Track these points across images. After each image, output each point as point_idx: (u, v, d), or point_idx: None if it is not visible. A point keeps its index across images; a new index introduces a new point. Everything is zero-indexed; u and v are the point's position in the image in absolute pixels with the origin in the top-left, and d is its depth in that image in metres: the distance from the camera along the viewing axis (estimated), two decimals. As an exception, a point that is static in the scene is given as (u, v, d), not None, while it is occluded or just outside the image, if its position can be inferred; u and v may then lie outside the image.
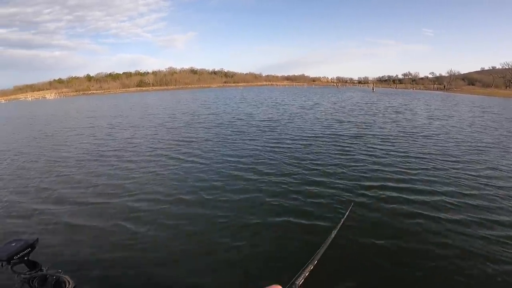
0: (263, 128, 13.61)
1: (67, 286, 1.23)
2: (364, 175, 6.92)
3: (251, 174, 7.13)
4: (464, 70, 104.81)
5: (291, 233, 4.39)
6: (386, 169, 7.35)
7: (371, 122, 15.09)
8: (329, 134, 11.78)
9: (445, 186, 6.16)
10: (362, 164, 7.84)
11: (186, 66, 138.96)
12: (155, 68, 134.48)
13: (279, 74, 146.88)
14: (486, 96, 49.18)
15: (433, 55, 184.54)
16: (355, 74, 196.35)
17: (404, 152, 9.02)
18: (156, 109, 26.26)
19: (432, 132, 12.34)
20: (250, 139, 11.16)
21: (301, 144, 10.14)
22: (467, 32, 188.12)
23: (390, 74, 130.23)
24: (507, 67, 77.26)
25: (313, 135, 11.66)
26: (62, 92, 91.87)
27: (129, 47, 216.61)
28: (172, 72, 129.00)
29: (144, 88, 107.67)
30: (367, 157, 8.56)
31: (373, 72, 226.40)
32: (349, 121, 15.28)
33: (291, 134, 11.91)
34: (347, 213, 2.27)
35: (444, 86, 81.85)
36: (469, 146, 9.93)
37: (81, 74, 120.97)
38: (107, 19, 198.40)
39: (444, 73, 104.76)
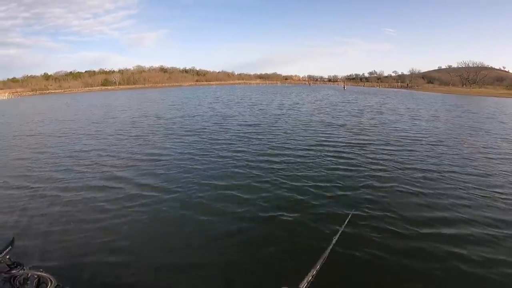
0: (245, 135, 11.09)
1: (49, 285, 1.25)
2: (367, 182, 6.16)
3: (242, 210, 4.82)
4: (423, 69, 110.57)
5: (291, 240, 4.10)
6: (386, 174, 6.48)
7: (360, 124, 13.38)
8: (322, 141, 9.67)
9: (458, 199, 5.35)
10: (363, 173, 6.72)
11: (156, 64, 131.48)
12: (122, 66, 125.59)
13: (252, 73, 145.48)
14: (446, 94, 51.29)
15: (395, 54, 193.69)
16: (325, 72, 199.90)
17: (407, 158, 7.31)
18: (116, 111, 22.55)
19: (427, 136, 10.84)
20: (232, 152, 8.66)
21: (292, 157, 7.90)
22: (425, 32, 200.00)
23: (357, 73, 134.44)
24: (462, 66, 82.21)
25: (304, 143, 9.48)
26: (17, 92, 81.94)
27: (93, 45, 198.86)
28: (140, 71, 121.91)
29: (109, 88, 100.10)
30: (368, 164, 7.31)
31: (342, 70, 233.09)
32: (338, 125, 13.36)
33: (277, 143, 9.60)
34: (346, 220, 2.29)
35: (407, 84, 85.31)
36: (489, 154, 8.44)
37: (39, 73, 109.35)
38: (69, 16, 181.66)
39: (406, 72, 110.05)
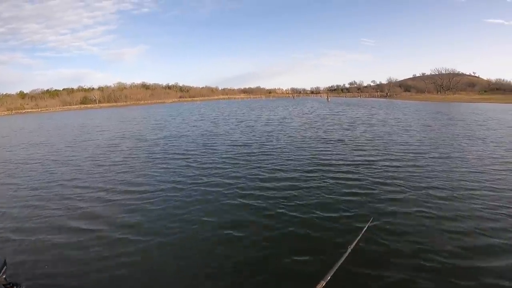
0: (235, 157, 9.92)
1: None
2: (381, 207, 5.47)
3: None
4: (400, 77, 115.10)
5: (308, 246, 4.07)
6: (400, 196, 5.20)
7: (356, 139, 12.62)
8: (321, 161, 8.69)
9: (484, 221, 4.74)
10: (374, 196, 5.91)
11: (138, 81, 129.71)
12: (103, 83, 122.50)
13: (236, 87, 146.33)
14: (424, 102, 52.87)
15: (374, 64, 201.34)
16: (307, 84, 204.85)
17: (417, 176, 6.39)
18: (93, 132, 20.82)
19: (427, 149, 10.16)
20: (223, 179, 7.42)
21: (290, 181, 6.80)
22: (400, 41, 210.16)
23: (339, 83, 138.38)
24: (436, 73, 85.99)
25: (302, 163, 8.45)
26: (-8, 112, 77.42)
27: (72, 61, 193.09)
28: (121, 88, 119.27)
29: (89, 106, 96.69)
30: (378, 185, 6.50)
31: (324, 82, 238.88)
32: (334, 140, 12.51)
33: (272, 166, 8.52)
34: (365, 228, 2.24)
35: (386, 94, 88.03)
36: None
37: (15, 91, 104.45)
38: (46, 31, 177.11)
39: (384, 81, 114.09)
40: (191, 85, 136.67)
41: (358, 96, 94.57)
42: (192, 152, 11.15)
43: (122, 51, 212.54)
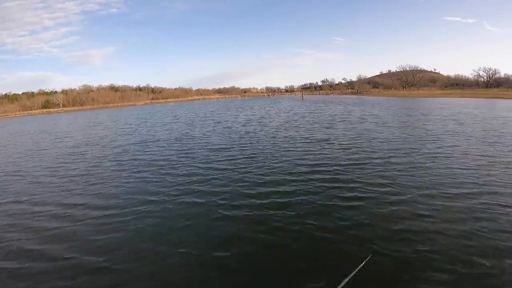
0: (215, 165, 8.95)
1: None
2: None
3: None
4: (368, 75, 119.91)
5: (307, 264, 3.64)
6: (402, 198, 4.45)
7: (339, 138, 12.19)
8: (310, 164, 8.01)
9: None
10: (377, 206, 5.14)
11: (106, 83, 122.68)
12: (67, 86, 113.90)
13: (211, 87, 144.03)
14: (392, 97, 55.18)
15: (345, 62, 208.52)
16: (282, 83, 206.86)
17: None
18: (54, 138, 18.61)
19: (413, 147, 9.98)
20: (205, 196, 6.41)
21: (280, 195, 5.98)
22: (368, 38, 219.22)
23: (312, 82, 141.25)
24: (401, 70, 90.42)
25: (289, 168, 7.69)
26: None
27: (32, 64, 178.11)
28: (88, 90, 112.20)
29: (52, 110, 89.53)
30: (375, 188, 5.73)
31: (297, 80, 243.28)
32: (318, 139, 12.01)
33: (257, 172, 7.68)
34: (362, 264, 2.27)
35: (357, 90, 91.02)
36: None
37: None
38: (2, 33, 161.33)
39: (354, 78, 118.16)
40: (163, 86, 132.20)
41: (331, 93, 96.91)
42: (166, 161, 9.98)
43: (88, 52, 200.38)
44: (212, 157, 10.00)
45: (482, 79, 77.25)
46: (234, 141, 12.87)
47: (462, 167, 7.36)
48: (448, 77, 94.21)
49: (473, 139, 11.02)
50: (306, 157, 9.15)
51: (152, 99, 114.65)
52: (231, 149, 11.08)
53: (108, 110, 71.13)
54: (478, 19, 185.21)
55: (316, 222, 4.73)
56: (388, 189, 6.04)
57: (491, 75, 74.96)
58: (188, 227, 4.85)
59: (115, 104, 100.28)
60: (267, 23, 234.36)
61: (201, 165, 8.98)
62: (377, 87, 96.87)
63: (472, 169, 7.21)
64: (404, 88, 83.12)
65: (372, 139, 11.80)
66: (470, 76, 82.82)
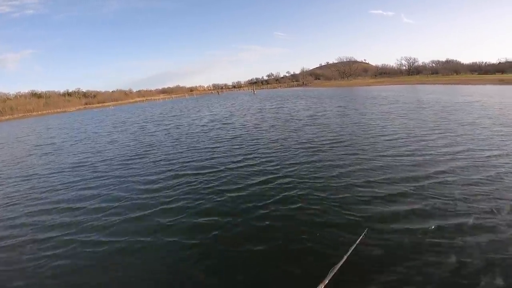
0: (194, 188, 5.91)
1: None
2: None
3: None
4: (310, 67, 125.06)
5: (300, 258, 3.54)
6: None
7: (324, 131, 10.16)
8: (310, 172, 5.59)
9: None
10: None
11: (25, 89, 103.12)
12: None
13: (154, 88, 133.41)
14: (335, 87, 57.54)
15: (287, 56, 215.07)
16: (228, 79, 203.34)
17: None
18: None
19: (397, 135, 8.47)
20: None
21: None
22: (308, 33, 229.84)
23: (258, 76, 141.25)
24: (338, 61, 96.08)
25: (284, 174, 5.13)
26: None
27: None
28: (3, 99, 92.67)
29: (-48, 125, 69.85)
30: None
31: (244, 76, 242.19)
32: (303, 141, 9.73)
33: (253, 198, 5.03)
34: (359, 239, 2.19)
35: (303, 82, 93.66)
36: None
37: None
38: None
39: (297, 71, 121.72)
40: (98, 90, 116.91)
41: (278, 87, 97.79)
42: (111, 194, 6.41)
43: (1, 57, 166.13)
44: (180, 183, 6.73)
45: (404, 67, 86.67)
46: (200, 153, 9.65)
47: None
48: (376, 67, 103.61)
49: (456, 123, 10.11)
50: (301, 165, 6.66)
51: (86, 104, 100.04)
52: (201, 160, 7.93)
53: (32, 119, 58.39)
54: (397, 11, 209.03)
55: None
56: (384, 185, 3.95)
57: (411, 64, 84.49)
58: None
59: (39, 112, 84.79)
60: (211, 19, 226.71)
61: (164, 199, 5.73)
62: (319, 79, 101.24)
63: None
64: (343, 78, 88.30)
65: (380, 130, 10.05)
66: (394, 65, 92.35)
